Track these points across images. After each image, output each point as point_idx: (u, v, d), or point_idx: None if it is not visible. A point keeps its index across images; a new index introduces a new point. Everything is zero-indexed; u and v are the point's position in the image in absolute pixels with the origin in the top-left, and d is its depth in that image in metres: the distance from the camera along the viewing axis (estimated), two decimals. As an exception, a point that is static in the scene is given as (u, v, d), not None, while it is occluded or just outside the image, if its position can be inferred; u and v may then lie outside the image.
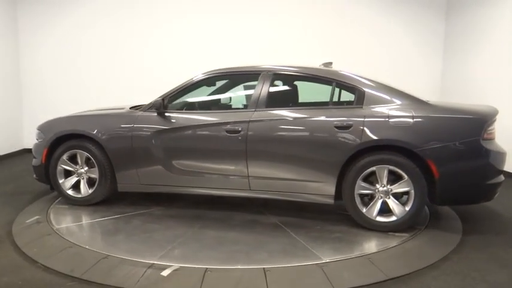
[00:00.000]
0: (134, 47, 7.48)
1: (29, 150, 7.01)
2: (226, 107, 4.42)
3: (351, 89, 3.82)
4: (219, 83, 4.36)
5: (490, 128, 3.53)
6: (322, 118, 3.70)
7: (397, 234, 3.53)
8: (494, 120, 3.61)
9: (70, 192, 4.28)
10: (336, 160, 3.61)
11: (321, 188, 3.71)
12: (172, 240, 3.38)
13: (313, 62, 4.51)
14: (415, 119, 3.51)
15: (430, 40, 7.55)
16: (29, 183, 5.31)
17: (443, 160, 3.46)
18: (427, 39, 7.55)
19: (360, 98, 3.72)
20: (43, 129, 4.39)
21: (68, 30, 7.51)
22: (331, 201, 3.72)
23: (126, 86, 7.43)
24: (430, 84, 7.51)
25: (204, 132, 3.92)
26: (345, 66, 4.38)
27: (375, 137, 3.53)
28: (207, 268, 2.87)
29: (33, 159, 4.43)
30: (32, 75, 7.67)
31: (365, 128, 3.55)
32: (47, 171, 4.31)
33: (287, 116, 3.78)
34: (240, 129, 3.78)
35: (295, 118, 3.77)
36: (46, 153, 4.28)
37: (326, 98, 3.87)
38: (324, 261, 3.00)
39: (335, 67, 4.35)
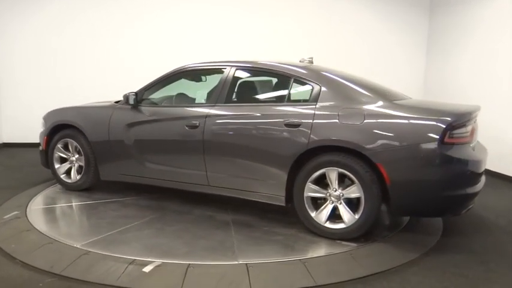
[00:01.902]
0: (118, 42, 7.25)
1: (7, 145, 7.43)
2: (191, 101, 4.45)
3: (307, 85, 3.58)
4: (190, 78, 4.40)
5: (456, 131, 3.06)
6: (274, 115, 3.54)
7: (344, 243, 3.26)
8: (466, 122, 3.11)
9: (63, 177, 4.68)
10: (286, 160, 3.44)
11: (273, 188, 3.56)
12: (114, 228, 3.49)
13: (295, 58, 4.32)
14: (366, 119, 3.19)
15: (413, 38, 7.31)
16: (6, 178, 5.22)
17: (395, 165, 3.09)
18: (410, 37, 7.31)
19: (316, 95, 3.48)
20: (45, 118, 4.83)
21: (45, 25, 7.12)
22: (282, 202, 3.55)
23: (106, 82, 7.12)
24: (414, 83, 7.26)
25: (168, 126, 3.99)
26: (327, 63, 4.17)
27: (321, 137, 3.29)
28: (189, 264, 2.84)
29: (40, 146, 4.92)
30: (8, 70, 7.23)
31: (313, 127, 3.32)
32: (47, 157, 4.75)
33: (241, 112, 3.69)
34: (198, 124, 3.79)
35: (248, 114, 3.65)
36: (46, 141, 4.72)
37: (285, 94, 3.70)
38: (240, 262, 2.91)
39: (316, 63, 4.14)
